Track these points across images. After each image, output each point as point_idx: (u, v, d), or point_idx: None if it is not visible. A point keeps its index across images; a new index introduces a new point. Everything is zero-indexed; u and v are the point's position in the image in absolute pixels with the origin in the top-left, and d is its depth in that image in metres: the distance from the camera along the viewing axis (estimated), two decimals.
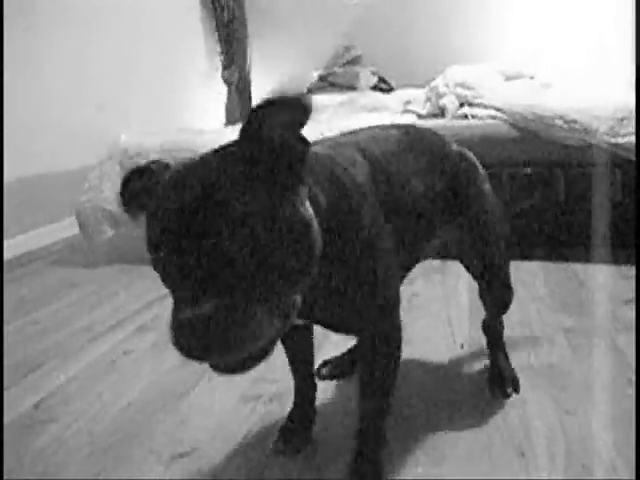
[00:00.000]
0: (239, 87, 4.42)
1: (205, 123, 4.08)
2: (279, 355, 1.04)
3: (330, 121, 2.49)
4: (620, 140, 2.01)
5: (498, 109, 2.22)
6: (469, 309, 1.78)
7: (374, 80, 3.72)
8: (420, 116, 2.51)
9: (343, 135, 1.06)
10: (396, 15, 3.94)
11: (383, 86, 3.65)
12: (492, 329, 1.37)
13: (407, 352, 1.51)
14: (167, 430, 1.25)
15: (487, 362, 1.38)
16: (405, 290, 1.89)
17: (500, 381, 1.32)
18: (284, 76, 4.23)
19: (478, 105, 2.29)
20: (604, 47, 3.16)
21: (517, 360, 1.41)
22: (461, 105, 2.36)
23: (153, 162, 0.77)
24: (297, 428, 1.16)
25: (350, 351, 1.47)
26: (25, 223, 2.97)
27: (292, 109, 0.65)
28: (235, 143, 0.69)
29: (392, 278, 0.92)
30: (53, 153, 3.09)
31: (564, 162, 2.15)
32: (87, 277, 2.38)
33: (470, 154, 1.23)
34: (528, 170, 2.18)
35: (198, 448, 1.18)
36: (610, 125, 2.02)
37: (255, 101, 4.46)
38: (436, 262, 2.21)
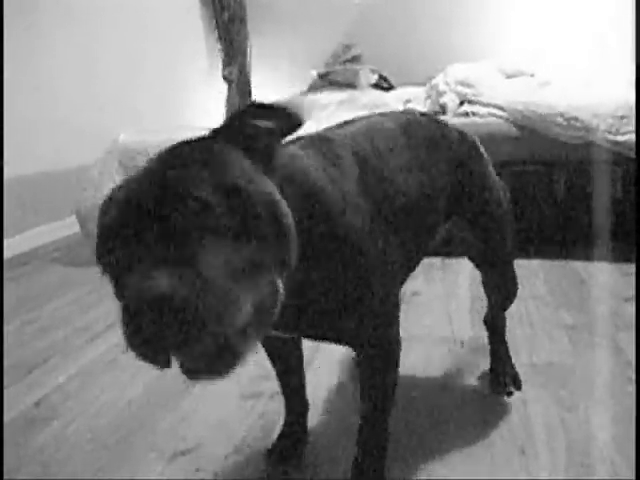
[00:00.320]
0: (239, 85, 4.42)
1: (205, 121, 4.08)
2: None
3: (330, 119, 2.48)
4: (620, 138, 2.01)
5: (498, 107, 2.22)
6: (470, 307, 1.78)
7: (374, 78, 3.71)
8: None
9: (333, 128, 0.99)
10: (397, 13, 3.93)
11: (383, 84, 3.64)
12: (494, 324, 1.35)
13: (408, 350, 1.52)
14: (168, 427, 1.25)
15: (488, 360, 1.38)
16: (406, 288, 1.89)
17: (502, 379, 1.30)
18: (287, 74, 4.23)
19: (479, 103, 2.29)
20: (604, 45, 3.16)
21: (517, 358, 1.41)
22: (461, 103, 2.36)
23: None
24: (288, 448, 1.11)
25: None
26: (26, 222, 2.97)
27: (280, 118, 0.64)
28: (211, 134, 0.67)
29: (388, 287, 0.84)
30: (54, 151, 3.09)
31: (564, 160, 2.15)
32: (87, 276, 2.38)
33: (471, 136, 1.16)
34: (529, 168, 2.17)
35: (199, 445, 1.18)
36: (610, 123, 2.02)
37: (255, 99, 4.47)
38: (436, 259, 2.21)
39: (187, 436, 1.22)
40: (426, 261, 1.21)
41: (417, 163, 0.97)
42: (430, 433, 1.17)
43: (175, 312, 0.48)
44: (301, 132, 0.77)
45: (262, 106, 0.64)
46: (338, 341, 0.87)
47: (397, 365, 0.92)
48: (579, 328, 1.59)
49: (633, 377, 1.32)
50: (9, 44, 2.84)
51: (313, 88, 3.79)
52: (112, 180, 2.45)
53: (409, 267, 0.99)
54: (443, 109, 2.38)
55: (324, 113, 2.68)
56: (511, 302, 1.30)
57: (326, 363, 1.48)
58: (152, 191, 0.56)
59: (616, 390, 1.28)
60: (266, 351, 1.06)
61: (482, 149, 1.16)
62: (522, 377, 1.33)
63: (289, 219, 0.65)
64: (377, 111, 1.18)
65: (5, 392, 1.45)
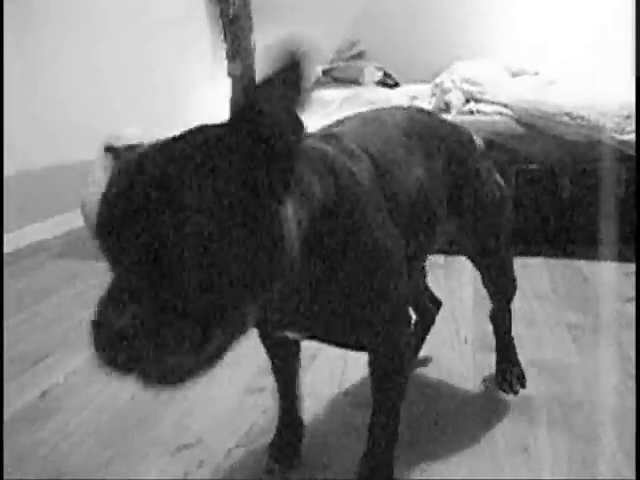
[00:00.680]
0: (243, 81, 4.42)
1: (210, 116, 4.08)
2: None
3: (334, 116, 2.48)
4: (626, 137, 2.00)
5: (504, 105, 2.21)
6: (473, 304, 1.78)
7: (379, 75, 3.70)
8: None
9: (333, 126, 0.96)
10: (402, 10, 3.92)
11: (388, 81, 3.63)
12: (499, 320, 1.34)
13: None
14: (171, 421, 1.25)
15: (493, 357, 1.38)
16: None
17: (508, 377, 1.31)
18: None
19: (484, 101, 2.29)
20: (610, 44, 3.15)
21: (521, 356, 1.41)
22: (467, 101, 2.35)
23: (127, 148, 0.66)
24: (286, 444, 1.09)
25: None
26: (30, 215, 2.97)
27: (289, 79, 0.54)
28: (222, 124, 0.58)
29: (401, 286, 0.82)
30: (59, 146, 3.09)
31: (570, 159, 2.15)
32: (91, 269, 2.38)
33: (468, 132, 1.13)
34: (534, 166, 2.17)
35: (202, 439, 1.18)
36: (616, 122, 2.01)
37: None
38: (439, 257, 2.21)
39: (190, 430, 1.22)
40: (429, 259, 1.20)
41: (418, 160, 0.95)
42: (433, 431, 1.17)
43: (125, 344, 0.51)
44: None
45: (270, 81, 0.54)
46: (348, 342, 0.85)
47: (408, 366, 0.92)
48: (582, 327, 1.59)
49: (635, 375, 1.32)
50: (14, 39, 2.84)
51: (317, 84, 3.78)
52: None
53: (414, 267, 0.98)
54: (448, 107, 2.38)
55: (328, 109, 2.67)
56: (511, 298, 1.30)
57: (329, 358, 1.48)
58: (131, 193, 0.53)
59: (619, 389, 1.28)
60: (265, 346, 1.04)
61: (477, 143, 1.14)
62: (526, 375, 1.33)
63: (290, 258, 0.60)
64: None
65: (8, 386, 1.46)
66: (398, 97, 2.66)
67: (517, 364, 1.34)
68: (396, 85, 3.57)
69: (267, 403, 1.30)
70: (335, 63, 3.92)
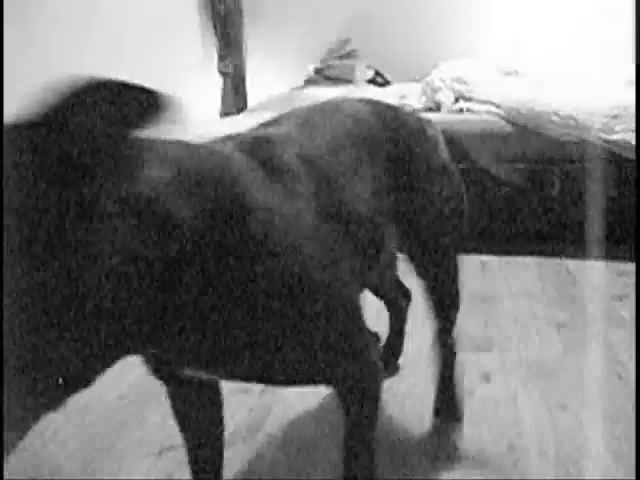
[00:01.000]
0: (234, 78, 4.41)
1: (201, 114, 4.06)
2: None
3: None
4: (614, 137, 2.01)
5: (493, 104, 2.22)
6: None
7: (370, 74, 3.70)
8: (415, 110, 2.50)
9: (272, 123, 0.84)
10: (392, 9, 3.92)
11: (379, 80, 3.63)
12: (442, 345, 1.18)
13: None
14: (157, 422, 1.24)
15: (482, 353, 1.38)
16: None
17: (448, 406, 1.19)
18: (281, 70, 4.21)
19: (473, 100, 2.29)
20: (600, 44, 3.16)
21: (508, 354, 1.41)
22: (456, 100, 2.35)
23: None
24: None
25: None
26: None
27: (131, 101, 0.46)
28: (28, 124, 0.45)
29: (348, 316, 0.71)
30: None
31: (559, 158, 2.15)
32: None
33: (418, 121, 1.00)
34: (521, 165, 2.17)
35: None
36: (605, 122, 2.02)
37: (250, 93, 4.45)
38: None
39: (175, 432, 1.20)
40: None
41: (368, 163, 0.85)
42: (418, 427, 1.17)
43: None
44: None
45: (109, 86, 0.45)
46: (294, 381, 0.72)
47: (378, 398, 0.81)
48: (570, 325, 1.60)
49: (623, 375, 1.33)
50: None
51: (309, 83, 3.77)
52: None
53: (362, 286, 0.86)
54: (438, 105, 2.38)
55: None
56: (454, 316, 1.15)
57: None
58: None
59: (606, 388, 1.28)
60: (168, 394, 0.87)
61: (433, 135, 1.01)
62: (512, 373, 1.33)
63: (98, 252, 0.47)
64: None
65: None
66: (388, 96, 2.66)
67: (457, 396, 1.20)
68: (387, 84, 3.57)
69: (253, 404, 1.29)
70: (327, 62, 3.92)
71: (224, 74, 4.43)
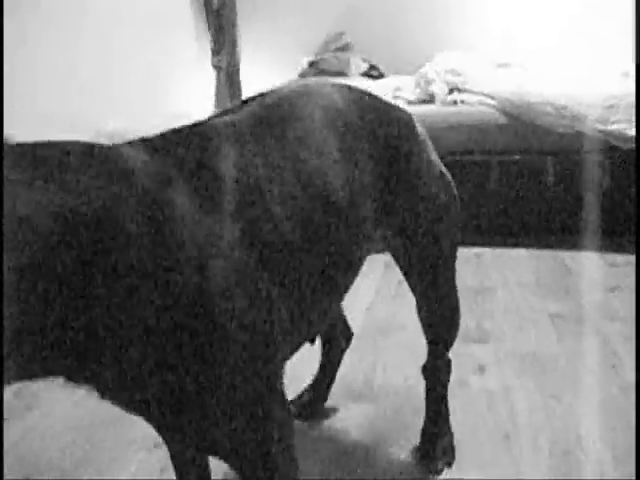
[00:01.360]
0: (228, 73, 4.38)
1: (196, 108, 4.05)
2: None
3: None
4: (609, 127, 2.00)
5: (488, 96, 2.21)
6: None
7: (365, 66, 3.69)
8: (409, 102, 2.49)
9: (228, 111, 0.70)
10: (386, 1, 3.90)
11: (374, 73, 3.62)
12: (435, 373, 1.05)
13: (395, 339, 1.51)
14: None
15: (476, 348, 1.38)
16: (391, 279, 1.88)
17: (431, 450, 1.04)
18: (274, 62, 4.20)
19: (467, 91, 2.28)
20: (594, 36, 3.15)
21: (502, 346, 1.41)
22: (451, 91, 2.34)
23: None
24: None
25: (317, 380, 1.21)
26: None
27: None
28: None
29: (262, 382, 0.56)
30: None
31: (553, 149, 2.15)
32: None
33: (402, 115, 0.87)
34: (516, 157, 2.17)
35: None
36: (599, 113, 2.01)
37: (244, 87, 4.43)
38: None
39: None
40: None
41: (341, 161, 0.72)
42: (413, 418, 1.17)
43: None
44: None
45: None
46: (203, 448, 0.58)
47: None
48: (565, 317, 1.59)
49: (617, 365, 1.32)
50: None
51: (303, 76, 3.76)
52: None
53: (309, 331, 0.70)
54: (432, 97, 2.37)
55: None
56: (452, 339, 1.02)
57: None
58: None
59: (599, 378, 1.28)
60: None
61: (420, 131, 0.91)
62: (507, 365, 1.33)
63: None
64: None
65: None
66: (382, 88, 2.64)
67: (447, 433, 1.07)
68: (381, 76, 3.56)
69: None
70: (321, 55, 3.91)
71: (218, 68, 4.41)
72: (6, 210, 0.41)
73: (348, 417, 1.19)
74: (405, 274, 0.95)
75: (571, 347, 1.43)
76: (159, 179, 0.52)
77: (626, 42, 2.92)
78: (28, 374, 0.47)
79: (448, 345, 1.03)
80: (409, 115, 0.90)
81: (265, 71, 4.28)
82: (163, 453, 1.11)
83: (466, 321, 1.51)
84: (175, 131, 0.61)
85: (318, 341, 1.26)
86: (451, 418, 1.15)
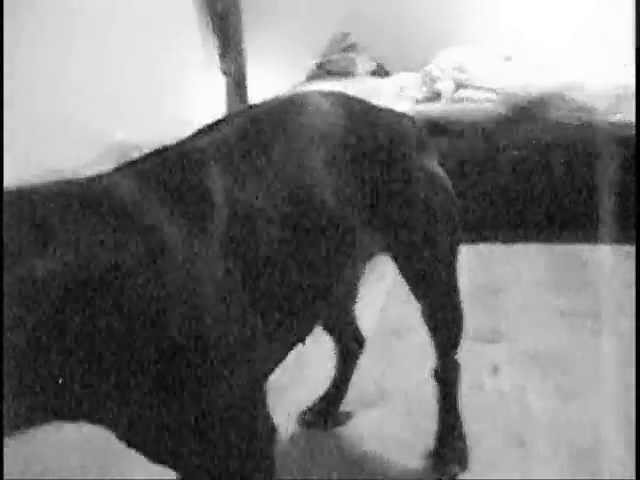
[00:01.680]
0: (236, 78, 4.40)
1: (205, 114, 4.06)
2: None
3: None
4: (618, 118, 1.97)
5: (494, 91, 2.18)
6: (470, 295, 1.76)
7: (372, 66, 3.68)
8: (416, 101, 2.47)
9: (212, 128, 0.70)
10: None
11: (380, 71, 3.61)
12: (445, 376, 1.06)
13: (407, 342, 1.50)
14: None
15: (486, 347, 1.36)
16: (403, 281, 1.86)
17: (447, 455, 1.05)
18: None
19: (474, 88, 2.26)
20: (600, 26, 3.10)
21: (517, 345, 1.39)
22: (457, 88, 2.32)
23: None
24: None
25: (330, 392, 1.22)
26: None
27: None
28: None
29: (243, 403, 0.58)
30: (51, 153, 3.08)
31: (563, 142, 2.12)
32: None
33: (396, 118, 0.89)
34: (527, 152, 2.14)
35: None
36: (607, 103, 1.98)
37: (253, 92, 4.44)
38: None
39: None
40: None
41: (334, 172, 0.73)
42: (426, 421, 1.16)
43: None
44: None
45: None
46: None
47: None
48: (580, 314, 1.57)
49: (634, 364, 1.30)
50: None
51: (312, 78, 3.75)
52: None
53: (295, 340, 0.74)
54: (438, 95, 2.35)
55: None
56: (457, 342, 1.03)
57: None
58: None
59: (617, 377, 1.26)
60: None
61: (414, 132, 0.90)
62: (521, 365, 1.31)
63: None
64: (372, 99, 0.94)
65: None
66: (389, 87, 2.64)
67: (460, 437, 1.07)
68: (387, 75, 3.54)
69: None
70: (327, 56, 3.90)
71: (225, 73, 4.43)
72: (13, 273, 0.44)
73: (361, 423, 1.18)
74: (404, 277, 0.95)
75: (587, 345, 1.40)
76: (154, 215, 0.54)
77: (631, 34, 2.88)
78: (30, 422, 0.52)
79: (454, 347, 1.03)
80: (400, 118, 0.90)
81: (273, 75, 4.29)
82: None
83: (479, 320, 1.49)
84: (160, 153, 0.63)
85: (330, 346, 1.26)
86: (465, 421, 1.14)
